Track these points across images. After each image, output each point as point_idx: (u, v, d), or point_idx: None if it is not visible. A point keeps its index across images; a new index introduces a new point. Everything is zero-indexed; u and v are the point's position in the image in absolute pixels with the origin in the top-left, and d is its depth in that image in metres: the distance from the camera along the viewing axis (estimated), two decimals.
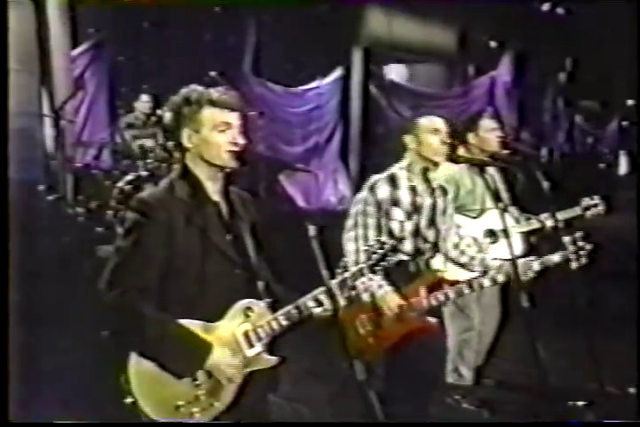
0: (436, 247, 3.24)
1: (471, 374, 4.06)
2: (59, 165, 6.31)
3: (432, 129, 3.14)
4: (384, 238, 2.52)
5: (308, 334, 2.47)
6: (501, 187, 4.00)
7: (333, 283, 2.36)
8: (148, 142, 6.35)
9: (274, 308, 2.36)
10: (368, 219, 3.14)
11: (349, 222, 3.19)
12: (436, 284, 3.13)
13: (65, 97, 6.43)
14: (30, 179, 5.61)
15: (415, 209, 3.17)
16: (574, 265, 3.10)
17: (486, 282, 3.15)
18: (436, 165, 3.20)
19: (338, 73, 9.13)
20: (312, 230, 2.23)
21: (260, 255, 2.43)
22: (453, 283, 3.13)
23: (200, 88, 2.36)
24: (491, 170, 3.93)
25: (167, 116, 2.36)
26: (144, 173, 5.94)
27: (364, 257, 2.50)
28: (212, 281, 2.30)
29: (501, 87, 10.43)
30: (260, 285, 2.37)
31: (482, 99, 10.20)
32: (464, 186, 3.89)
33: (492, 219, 3.77)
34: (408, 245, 3.15)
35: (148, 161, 6.07)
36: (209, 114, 2.30)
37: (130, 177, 5.90)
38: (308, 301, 2.35)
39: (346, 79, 9.24)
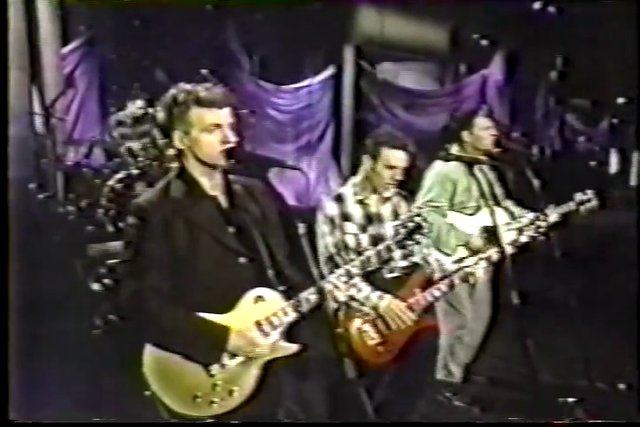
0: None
1: (460, 371, 4.07)
2: (49, 164, 6.28)
3: (389, 164, 3.14)
4: (414, 212, 2.55)
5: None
6: (495, 185, 4.02)
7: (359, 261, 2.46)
8: (136, 145, 6.32)
9: (289, 295, 2.37)
10: (327, 238, 3.13)
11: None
12: (427, 281, 3.15)
13: (55, 95, 6.40)
14: (20, 177, 5.57)
15: (370, 221, 3.17)
16: (539, 239, 3.46)
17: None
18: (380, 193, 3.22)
19: (330, 71, 9.11)
20: (302, 228, 2.25)
21: (269, 244, 2.40)
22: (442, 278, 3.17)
23: (188, 86, 2.33)
24: (484, 168, 3.94)
25: (160, 115, 2.36)
26: (135, 172, 5.91)
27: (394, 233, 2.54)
28: (219, 274, 2.31)
29: (493, 85, 10.42)
30: (271, 273, 2.36)
31: (473, 97, 10.19)
32: (461, 183, 3.90)
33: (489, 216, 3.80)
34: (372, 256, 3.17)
35: (139, 159, 6.05)
36: (197, 115, 2.29)
37: (120, 175, 5.87)
38: (309, 295, 2.36)
39: (338, 77, 9.22)
